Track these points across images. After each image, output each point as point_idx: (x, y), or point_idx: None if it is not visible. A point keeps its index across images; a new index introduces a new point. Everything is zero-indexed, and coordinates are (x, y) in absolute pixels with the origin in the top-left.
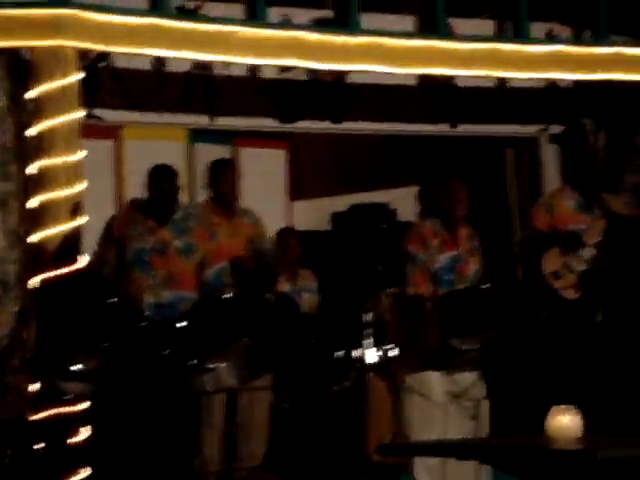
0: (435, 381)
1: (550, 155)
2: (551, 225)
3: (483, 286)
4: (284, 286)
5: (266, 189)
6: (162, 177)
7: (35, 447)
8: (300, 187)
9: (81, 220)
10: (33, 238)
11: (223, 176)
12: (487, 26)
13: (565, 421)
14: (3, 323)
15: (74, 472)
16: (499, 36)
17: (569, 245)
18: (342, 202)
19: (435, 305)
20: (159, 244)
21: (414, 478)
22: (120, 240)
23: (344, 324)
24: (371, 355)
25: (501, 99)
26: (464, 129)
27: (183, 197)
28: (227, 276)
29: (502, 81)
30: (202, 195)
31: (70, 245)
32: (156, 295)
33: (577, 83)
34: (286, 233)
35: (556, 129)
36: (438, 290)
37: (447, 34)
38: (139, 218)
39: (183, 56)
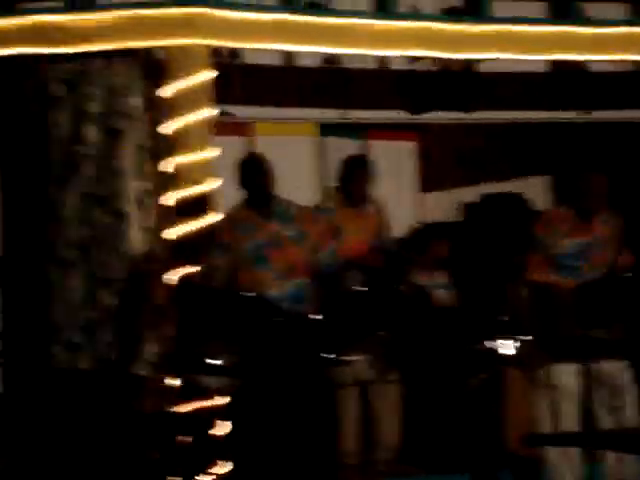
0: (571, 373)
1: None
2: None
3: (626, 274)
4: (418, 281)
5: (397, 182)
6: (254, 171)
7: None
8: (430, 179)
9: (215, 217)
10: (168, 234)
11: (356, 176)
12: (620, 9)
13: None
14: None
15: (217, 465)
16: (633, 19)
17: None
18: (470, 193)
19: (573, 293)
20: (272, 237)
21: (553, 469)
22: (230, 244)
23: (479, 315)
24: (507, 346)
25: (636, 83)
26: (598, 115)
27: (310, 191)
28: (338, 258)
29: (638, 64)
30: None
31: (204, 241)
32: (278, 287)
33: None
34: (433, 230)
35: None
36: (560, 277)
37: (579, 18)
38: (243, 217)
39: (313, 50)
